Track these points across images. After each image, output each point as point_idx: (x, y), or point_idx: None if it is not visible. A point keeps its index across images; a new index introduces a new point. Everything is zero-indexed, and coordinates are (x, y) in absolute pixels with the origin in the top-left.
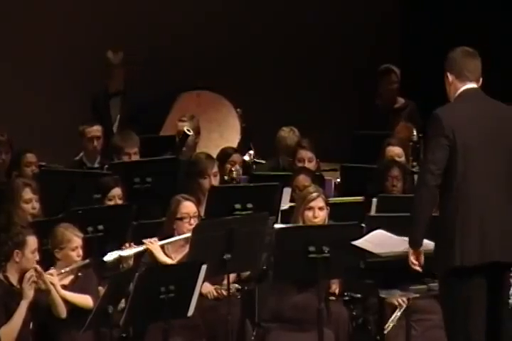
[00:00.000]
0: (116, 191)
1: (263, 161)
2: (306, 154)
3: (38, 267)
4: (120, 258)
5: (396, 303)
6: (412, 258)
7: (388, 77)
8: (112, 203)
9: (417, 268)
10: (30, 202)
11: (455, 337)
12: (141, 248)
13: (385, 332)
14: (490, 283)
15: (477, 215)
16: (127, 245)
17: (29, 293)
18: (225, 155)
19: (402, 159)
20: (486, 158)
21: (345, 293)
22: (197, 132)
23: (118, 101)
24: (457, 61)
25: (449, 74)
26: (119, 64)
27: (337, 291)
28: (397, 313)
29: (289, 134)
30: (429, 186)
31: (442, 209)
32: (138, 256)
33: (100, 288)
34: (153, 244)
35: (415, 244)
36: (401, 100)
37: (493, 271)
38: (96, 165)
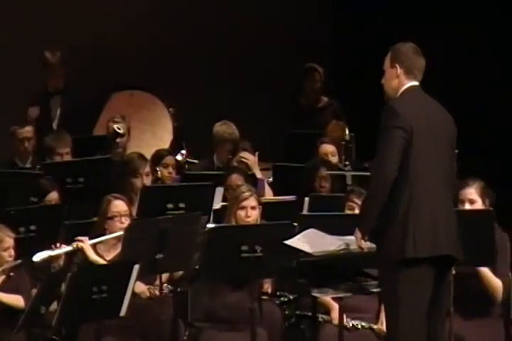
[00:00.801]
0: (53, 195)
1: (195, 161)
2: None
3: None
4: (50, 258)
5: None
6: (362, 242)
7: (312, 76)
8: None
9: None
10: None
11: (399, 329)
12: (70, 247)
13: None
14: (436, 278)
15: (428, 208)
16: (57, 245)
17: None
18: (158, 156)
19: (336, 158)
20: (435, 153)
21: (278, 293)
22: (128, 132)
23: (58, 100)
24: (409, 56)
25: (398, 67)
26: (57, 63)
27: (269, 291)
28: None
29: (221, 127)
30: (387, 178)
31: (394, 201)
32: (70, 255)
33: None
34: (84, 243)
35: (366, 229)
36: (324, 99)
37: (440, 265)
38: (28, 165)
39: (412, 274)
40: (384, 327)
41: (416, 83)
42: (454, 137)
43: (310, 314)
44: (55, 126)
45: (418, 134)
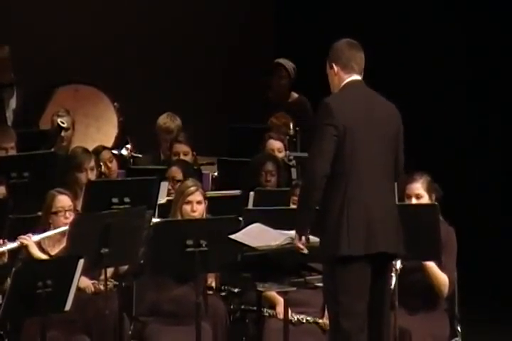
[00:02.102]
0: (1, 189)
1: (140, 155)
2: (181, 148)
3: None
4: None
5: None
6: (299, 244)
7: (278, 72)
8: None
9: (305, 251)
10: None
11: (338, 325)
12: (14, 244)
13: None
14: (374, 273)
15: (363, 205)
16: (1, 242)
17: None
18: (96, 152)
19: (282, 153)
20: (370, 146)
21: (223, 287)
22: (72, 126)
23: (10, 93)
24: (344, 52)
25: (334, 65)
26: (6, 57)
27: (214, 285)
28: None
29: (163, 119)
30: (318, 176)
31: (329, 199)
32: (14, 252)
33: None
34: (28, 240)
35: (303, 230)
36: (294, 95)
37: (378, 260)
38: None
39: (348, 271)
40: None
41: (356, 77)
42: (398, 130)
43: (255, 308)
44: (9, 118)
45: (352, 130)
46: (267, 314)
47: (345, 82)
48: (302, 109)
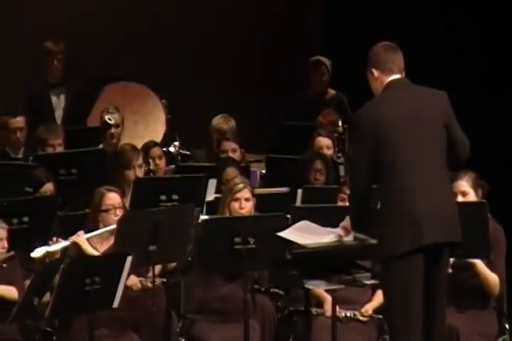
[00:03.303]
0: (49, 186)
1: (188, 152)
2: (229, 145)
3: None
4: (47, 254)
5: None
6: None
7: (318, 68)
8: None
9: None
10: None
11: (397, 321)
12: (67, 242)
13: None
14: (428, 265)
15: (415, 204)
16: (54, 240)
17: None
18: (146, 149)
19: (331, 151)
20: (419, 143)
21: (270, 286)
22: (122, 123)
23: (60, 91)
24: (381, 56)
25: (374, 70)
26: (60, 53)
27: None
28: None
29: (217, 120)
30: (360, 187)
31: (383, 200)
32: (64, 249)
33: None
34: (80, 238)
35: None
36: (331, 92)
37: (432, 253)
38: (20, 156)
39: (401, 268)
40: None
41: (395, 76)
42: (445, 117)
43: (303, 306)
44: (58, 117)
45: (389, 132)
46: (315, 313)
47: (385, 82)
48: (340, 105)
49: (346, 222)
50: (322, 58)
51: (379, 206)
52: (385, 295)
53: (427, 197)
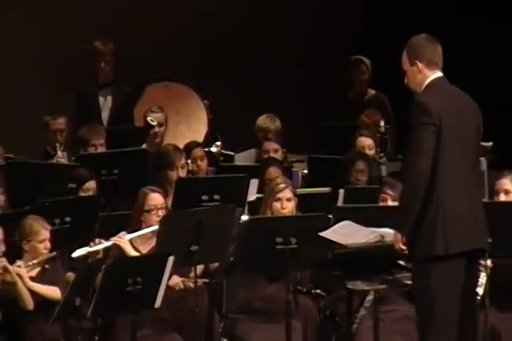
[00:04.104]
0: (91, 184)
1: (231, 152)
2: (271, 145)
3: (4, 260)
4: (89, 254)
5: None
6: (401, 245)
7: (358, 68)
8: (85, 195)
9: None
10: None
11: (432, 322)
12: (109, 243)
13: (356, 320)
14: (466, 268)
15: (457, 202)
16: (96, 241)
17: None
18: (188, 149)
19: (372, 151)
20: (462, 144)
21: (312, 286)
22: (165, 124)
23: (108, 91)
24: (426, 48)
25: (418, 62)
26: (109, 54)
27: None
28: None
29: (262, 120)
30: (425, 177)
31: (430, 197)
32: (107, 249)
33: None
34: (122, 240)
35: (407, 232)
36: (371, 91)
37: (470, 257)
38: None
39: (444, 270)
40: None
41: (440, 74)
42: (480, 125)
43: (345, 307)
44: (105, 117)
45: (446, 129)
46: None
47: (429, 79)
48: (381, 105)
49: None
50: (362, 57)
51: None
52: (421, 295)
53: (472, 202)
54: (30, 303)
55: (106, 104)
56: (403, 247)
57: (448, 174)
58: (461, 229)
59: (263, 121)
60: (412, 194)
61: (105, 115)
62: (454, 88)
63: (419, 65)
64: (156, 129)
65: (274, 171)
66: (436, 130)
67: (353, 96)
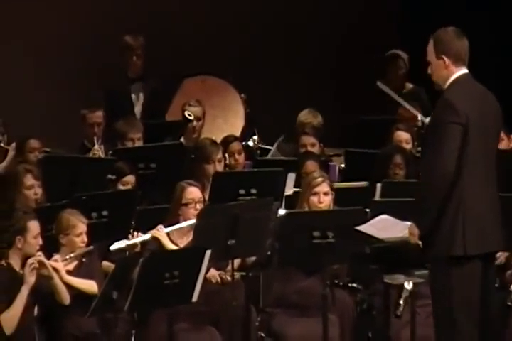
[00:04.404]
0: (131, 178)
1: (268, 147)
2: (308, 139)
3: (41, 254)
4: (127, 247)
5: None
6: (416, 239)
7: (395, 62)
8: (124, 188)
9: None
10: (32, 188)
11: (452, 321)
12: (147, 236)
13: (399, 313)
14: (484, 271)
15: (477, 204)
16: (134, 234)
17: (30, 278)
18: (225, 143)
19: (410, 145)
20: (484, 145)
21: (349, 280)
22: (202, 117)
23: (140, 86)
24: (454, 43)
25: (445, 57)
26: (139, 48)
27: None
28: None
29: (303, 115)
30: (449, 174)
31: (445, 197)
32: (144, 243)
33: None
34: (160, 233)
35: (424, 230)
36: (409, 85)
37: (486, 258)
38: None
39: (463, 270)
40: None
41: (465, 71)
42: (501, 123)
43: (382, 301)
44: (137, 112)
45: (471, 128)
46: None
47: (455, 76)
48: (418, 99)
49: (412, 228)
50: (399, 52)
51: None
52: (440, 295)
53: (493, 201)
54: (66, 298)
55: (137, 98)
56: (419, 242)
57: (470, 173)
58: (480, 230)
59: (305, 116)
60: (433, 197)
61: (137, 109)
62: (478, 85)
63: (446, 60)
64: (194, 123)
65: (311, 165)
66: (463, 129)
67: (390, 90)
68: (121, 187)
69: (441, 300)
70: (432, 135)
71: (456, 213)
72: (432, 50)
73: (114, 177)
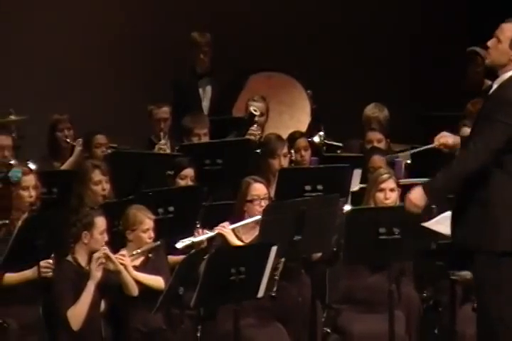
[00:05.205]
0: (189, 171)
1: (335, 143)
2: (374, 135)
3: (107, 249)
4: (192, 244)
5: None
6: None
7: (474, 60)
8: (183, 183)
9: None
10: (100, 184)
11: (501, 314)
12: (213, 233)
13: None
14: None
15: None
16: (200, 231)
17: (96, 274)
18: (291, 139)
19: None
20: None
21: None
22: (266, 113)
23: (207, 82)
24: None
25: None
26: (206, 45)
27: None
28: None
29: (369, 109)
30: (473, 170)
31: (488, 191)
32: (210, 239)
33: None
34: (225, 229)
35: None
36: (488, 82)
37: None
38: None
39: (509, 262)
40: None
41: None
42: None
43: (448, 297)
44: (205, 107)
45: None
46: None
47: None
48: None
49: (415, 193)
50: (478, 49)
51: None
52: (489, 287)
53: None
54: (134, 289)
55: (205, 94)
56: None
57: None
58: None
59: (372, 110)
60: (456, 181)
61: (205, 105)
62: None
63: None
64: (256, 119)
65: (378, 159)
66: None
67: (469, 87)
68: (180, 181)
69: (489, 296)
70: (481, 127)
71: (499, 207)
72: (507, 39)
73: (172, 172)
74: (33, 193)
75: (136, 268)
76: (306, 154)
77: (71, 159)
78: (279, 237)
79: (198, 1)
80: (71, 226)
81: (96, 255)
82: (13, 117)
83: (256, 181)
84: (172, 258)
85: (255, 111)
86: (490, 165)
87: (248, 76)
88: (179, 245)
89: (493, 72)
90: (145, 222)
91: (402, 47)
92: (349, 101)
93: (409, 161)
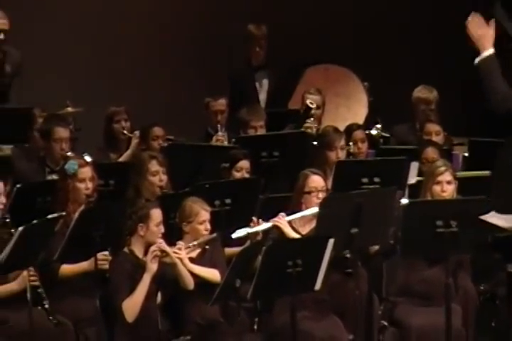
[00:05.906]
0: (244, 163)
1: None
2: (433, 127)
3: (162, 241)
4: (248, 235)
5: None
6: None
7: None
8: (239, 175)
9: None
10: (157, 175)
11: None
12: (269, 224)
13: None
14: None
15: None
16: (255, 222)
17: (152, 266)
18: (348, 131)
19: None
20: None
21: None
22: (322, 106)
23: (263, 74)
24: None
25: None
26: (262, 37)
27: None
28: None
29: (419, 91)
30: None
31: None
32: (266, 231)
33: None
34: (281, 221)
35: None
36: None
37: None
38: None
39: None
40: None
41: None
42: None
43: (505, 290)
44: (262, 100)
45: None
46: None
47: None
48: None
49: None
50: None
51: None
52: None
53: None
54: (190, 282)
55: (262, 87)
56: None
57: None
58: None
59: (421, 91)
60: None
61: (262, 97)
62: None
63: None
64: (313, 111)
65: (431, 151)
66: None
67: None
68: (236, 173)
69: None
70: None
71: None
72: None
73: (227, 165)
74: (90, 185)
75: (192, 260)
76: (363, 146)
77: (128, 152)
78: (336, 230)
79: None
80: (127, 218)
81: (152, 248)
82: (69, 109)
83: (314, 173)
84: (228, 250)
85: (311, 104)
86: None
87: (305, 68)
88: (235, 235)
89: None
90: (201, 214)
91: (463, 36)
92: (406, 94)
93: (466, 154)
